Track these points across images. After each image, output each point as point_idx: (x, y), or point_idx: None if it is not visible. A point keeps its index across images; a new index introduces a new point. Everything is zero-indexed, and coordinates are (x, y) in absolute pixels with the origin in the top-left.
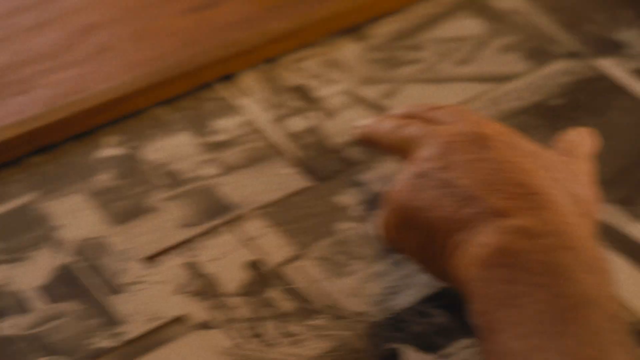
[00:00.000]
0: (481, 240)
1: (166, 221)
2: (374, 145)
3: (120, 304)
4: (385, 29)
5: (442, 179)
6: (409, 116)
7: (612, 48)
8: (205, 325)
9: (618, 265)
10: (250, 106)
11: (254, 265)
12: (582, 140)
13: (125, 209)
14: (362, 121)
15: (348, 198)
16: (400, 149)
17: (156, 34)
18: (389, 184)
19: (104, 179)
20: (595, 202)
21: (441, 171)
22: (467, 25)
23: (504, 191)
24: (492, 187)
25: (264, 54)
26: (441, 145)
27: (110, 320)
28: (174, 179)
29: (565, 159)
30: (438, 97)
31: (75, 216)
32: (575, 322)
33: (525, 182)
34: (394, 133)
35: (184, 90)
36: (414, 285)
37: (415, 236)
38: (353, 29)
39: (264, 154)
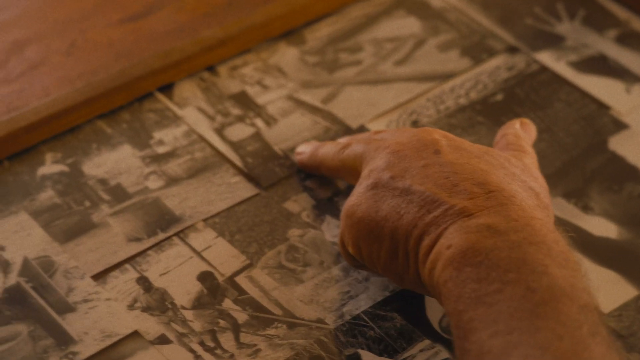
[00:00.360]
0: (449, 242)
1: (114, 236)
2: (316, 170)
3: (73, 323)
4: (322, 31)
5: (399, 187)
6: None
7: (551, 41)
8: (160, 340)
9: None
10: (192, 115)
11: (206, 276)
12: (525, 132)
13: (71, 226)
14: (301, 147)
15: (297, 204)
16: (346, 169)
17: (90, 47)
18: (345, 199)
19: (47, 196)
20: (549, 194)
21: (397, 180)
22: (404, 25)
23: (464, 192)
24: (451, 189)
25: (202, 62)
26: (391, 155)
27: (64, 340)
28: (118, 193)
29: (514, 154)
30: (379, 98)
31: (20, 236)
32: (549, 315)
33: (484, 181)
34: (337, 155)
35: (123, 103)
36: (369, 289)
37: (381, 248)
38: (289, 33)
39: (208, 164)
